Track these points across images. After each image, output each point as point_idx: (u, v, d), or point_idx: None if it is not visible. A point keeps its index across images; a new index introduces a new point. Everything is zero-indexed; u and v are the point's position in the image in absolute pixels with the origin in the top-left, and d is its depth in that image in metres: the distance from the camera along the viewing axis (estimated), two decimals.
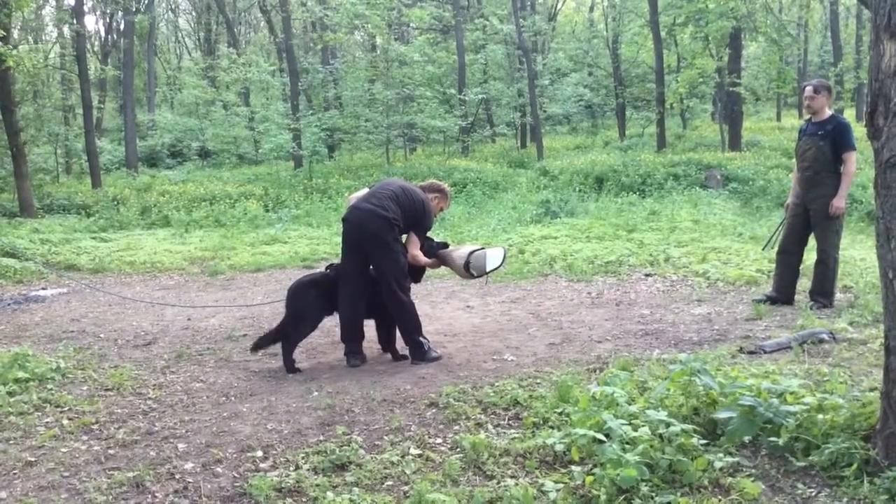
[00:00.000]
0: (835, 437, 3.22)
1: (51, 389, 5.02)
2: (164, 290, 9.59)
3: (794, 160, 7.37)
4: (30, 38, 30.88)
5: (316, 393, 4.83)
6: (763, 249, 8.72)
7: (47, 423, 4.41)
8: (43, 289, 9.59)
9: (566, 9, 42.08)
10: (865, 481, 2.94)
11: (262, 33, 44.75)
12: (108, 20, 35.89)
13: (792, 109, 35.00)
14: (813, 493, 3.00)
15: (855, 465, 3.03)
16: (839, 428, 3.29)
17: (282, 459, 3.71)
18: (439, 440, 3.90)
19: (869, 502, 2.84)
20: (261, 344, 5.71)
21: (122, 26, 30.62)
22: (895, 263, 2.92)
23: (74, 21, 21.30)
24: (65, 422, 4.40)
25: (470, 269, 5.73)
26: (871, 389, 3.85)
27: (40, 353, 5.89)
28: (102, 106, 31.51)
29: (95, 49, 36.82)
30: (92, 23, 38.78)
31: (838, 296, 6.78)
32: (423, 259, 5.75)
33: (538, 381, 4.81)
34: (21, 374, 5.14)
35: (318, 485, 3.34)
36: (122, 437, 4.13)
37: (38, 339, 6.76)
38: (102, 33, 37.71)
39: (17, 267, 10.56)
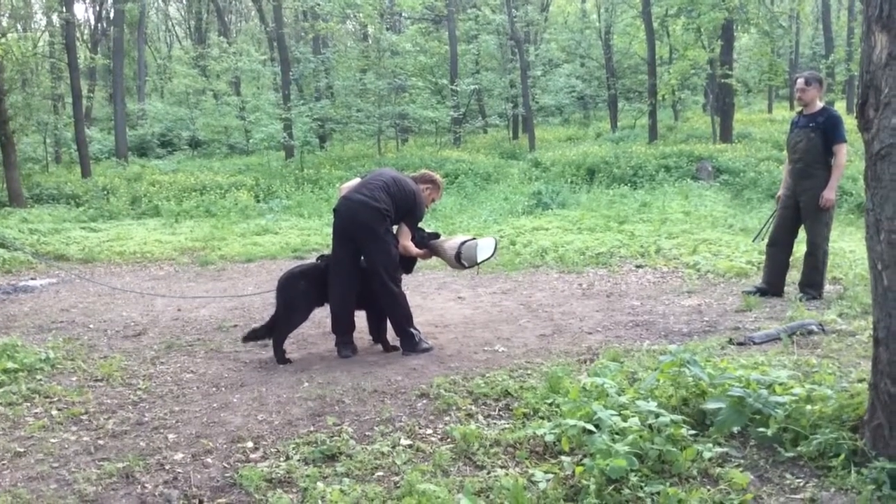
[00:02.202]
0: (823, 428, 3.24)
1: (40, 380, 5.00)
2: (154, 280, 9.55)
3: (785, 152, 7.39)
4: (18, 25, 30.54)
5: (307, 384, 4.83)
6: (753, 241, 8.76)
7: (36, 413, 4.39)
8: (32, 279, 9.54)
9: None
10: (853, 471, 2.96)
11: (253, 22, 44.51)
12: (97, 8, 35.56)
13: (783, 101, 35.10)
14: (801, 483, 3.02)
15: (843, 456, 3.05)
16: (827, 419, 3.31)
17: (272, 450, 3.71)
18: (430, 431, 3.90)
19: (856, 492, 2.86)
20: (254, 335, 5.70)
21: (111, 15, 30.36)
22: (884, 255, 2.93)
23: (64, 9, 21.10)
24: (54, 412, 4.38)
25: (461, 260, 5.72)
26: (860, 380, 3.87)
27: (29, 344, 5.86)
28: (92, 95, 31.30)
29: (85, 37, 36.49)
30: (81, 11, 38.42)
31: (828, 287, 6.81)
32: (414, 250, 5.75)
33: (529, 372, 4.82)
34: (10, 365, 5.12)
35: (308, 475, 3.34)
36: (111, 427, 4.12)
37: (27, 329, 6.73)
38: (92, 21, 37.35)
39: (6, 257, 10.49)
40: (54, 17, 26.49)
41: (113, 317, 7.26)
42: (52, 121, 23.82)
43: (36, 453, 3.77)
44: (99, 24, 35.88)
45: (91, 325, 6.88)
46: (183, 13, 46.49)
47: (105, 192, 17.46)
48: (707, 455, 3.16)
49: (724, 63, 21.67)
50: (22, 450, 3.81)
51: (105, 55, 28.67)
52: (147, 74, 37.24)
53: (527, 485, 3.10)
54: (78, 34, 30.88)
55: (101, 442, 3.92)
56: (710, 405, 3.52)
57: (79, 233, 13.14)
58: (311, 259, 7.11)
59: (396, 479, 3.31)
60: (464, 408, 4.18)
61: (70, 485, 3.39)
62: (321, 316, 6.18)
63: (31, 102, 21.49)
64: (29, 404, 4.54)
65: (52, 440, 3.94)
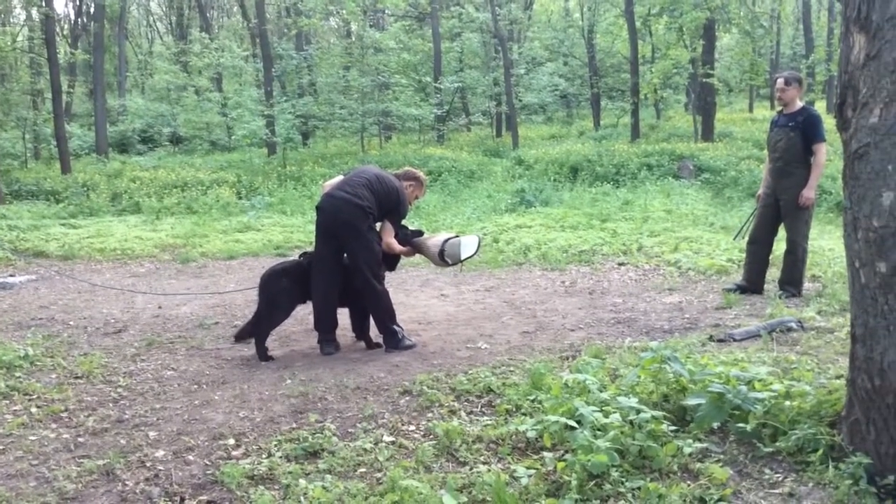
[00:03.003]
0: (801, 424, 3.27)
1: (19, 377, 4.95)
2: (134, 277, 9.48)
3: (765, 151, 7.45)
4: None
5: (289, 381, 4.82)
6: (734, 239, 8.83)
7: (15, 411, 4.35)
8: (11, 276, 9.44)
9: None
10: (830, 466, 2.99)
11: (236, 18, 44.24)
12: (77, 3, 35.24)
13: (764, 101, 35.36)
14: (779, 479, 3.05)
15: (821, 451, 3.08)
16: (806, 414, 3.35)
17: (254, 447, 3.70)
18: (412, 427, 3.91)
19: (834, 487, 2.90)
20: (244, 334, 5.67)
21: (92, 9, 30.04)
22: (861, 253, 2.97)
23: (43, 3, 20.85)
24: (33, 410, 4.34)
25: (445, 257, 5.73)
26: (838, 377, 3.92)
27: (8, 341, 5.82)
28: (72, 90, 30.91)
29: (65, 32, 36.15)
30: (61, 5, 38.18)
31: (807, 285, 6.88)
32: (397, 247, 5.75)
33: (511, 368, 4.84)
34: None
35: (290, 472, 3.33)
36: (91, 424, 4.08)
37: (6, 326, 6.66)
38: (72, 16, 37.04)
39: None
40: (34, 12, 26.17)
41: (93, 314, 7.20)
42: (31, 116, 23.54)
43: (15, 451, 3.73)
44: (79, 19, 35.52)
45: (71, 322, 6.83)
46: (164, 8, 46.08)
47: (85, 189, 17.30)
48: (687, 450, 3.19)
49: (705, 62, 21.82)
50: (1, 447, 3.78)
51: (85, 50, 28.35)
52: (128, 70, 36.90)
53: (509, 480, 3.11)
54: (58, 29, 30.60)
55: (81, 439, 3.89)
56: (691, 401, 3.55)
57: (58, 229, 13.01)
58: (294, 256, 7.09)
59: (379, 475, 3.31)
60: (446, 404, 4.19)
61: (50, 482, 3.36)
62: (304, 313, 6.17)
63: (9, 98, 21.25)
64: (8, 402, 4.50)
65: (32, 437, 3.91)
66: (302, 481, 3.24)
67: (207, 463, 3.54)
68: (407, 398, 4.38)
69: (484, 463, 3.38)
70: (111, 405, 4.46)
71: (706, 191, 15.96)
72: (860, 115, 2.95)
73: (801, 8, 32.29)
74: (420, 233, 6.11)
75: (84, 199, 16.37)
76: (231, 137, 27.60)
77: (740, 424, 3.38)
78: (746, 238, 7.12)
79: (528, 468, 3.19)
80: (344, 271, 5.57)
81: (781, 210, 6.70)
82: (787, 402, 3.44)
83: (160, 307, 7.44)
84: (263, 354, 5.44)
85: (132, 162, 22.71)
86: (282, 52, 26.80)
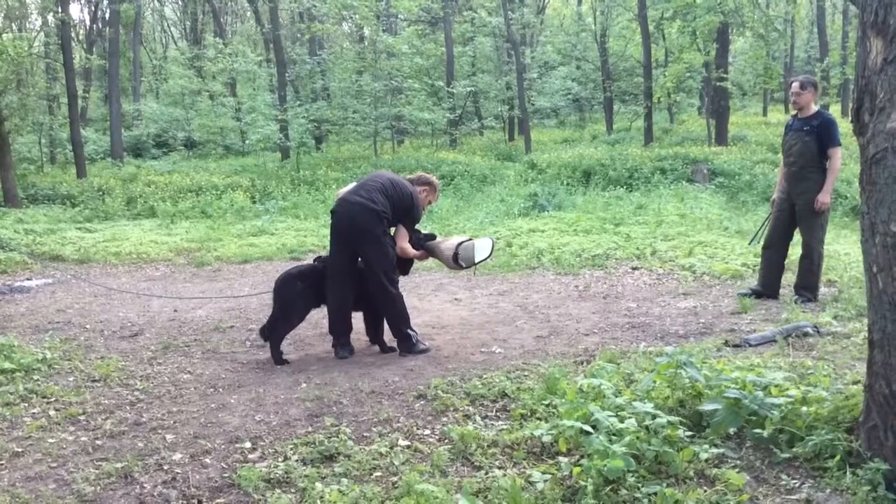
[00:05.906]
0: (818, 430, 3.26)
1: (37, 380, 5.01)
2: (150, 281, 9.55)
3: (780, 155, 7.42)
4: (13, 25, 30.47)
5: (304, 384, 4.84)
6: (749, 244, 8.78)
7: (34, 413, 4.39)
8: (28, 279, 9.52)
9: (554, 2, 42.09)
10: (848, 472, 2.98)
11: (249, 23, 44.46)
12: (93, 9, 35.56)
13: (778, 104, 35.17)
14: (797, 484, 3.04)
15: (838, 457, 3.07)
16: (823, 420, 3.34)
17: (270, 450, 3.72)
18: (427, 431, 3.92)
19: (851, 493, 2.89)
20: (265, 332, 5.68)
21: (107, 15, 30.27)
22: (879, 258, 2.96)
23: (59, 9, 21.00)
24: (51, 413, 4.38)
25: (458, 261, 5.74)
26: (855, 382, 3.90)
27: (26, 344, 5.86)
28: (87, 95, 31.13)
29: (80, 38, 36.43)
30: (77, 11, 38.47)
31: (823, 290, 6.84)
32: (411, 251, 5.76)
33: (526, 373, 4.84)
34: (7, 365, 5.12)
35: (306, 475, 3.35)
36: (109, 427, 4.12)
37: (24, 329, 6.72)
38: (88, 22, 37.37)
39: (2, 257, 10.47)
40: (50, 18, 26.39)
41: (109, 317, 7.26)
42: (47, 121, 23.72)
43: (34, 453, 3.78)
44: (94, 25, 35.84)
45: (88, 326, 6.88)
46: (178, 14, 46.42)
47: (100, 193, 17.40)
48: (703, 456, 3.18)
49: (719, 66, 21.73)
50: (20, 450, 3.82)
51: (100, 55, 28.58)
52: (142, 75, 37.15)
53: (524, 485, 3.11)
54: (73, 34, 30.87)
55: (99, 442, 3.93)
56: (707, 406, 3.54)
57: (74, 233, 13.11)
58: (308, 260, 7.12)
59: (394, 479, 3.33)
60: (461, 409, 4.20)
61: (69, 485, 3.40)
62: (318, 317, 6.19)
63: (26, 103, 21.38)
64: (26, 405, 4.55)
65: (50, 440, 3.95)
66: (318, 485, 3.26)
67: (224, 466, 3.57)
68: (422, 402, 4.39)
69: (499, 467, 3.39)
70: (128, 408, 4.50)
71: (720, 195, 15.88)
72: (877, 120, 2.95)
73: (816, 11, 32.09)
74: (433, 237, 6.13)
75: (99, 204, 16.47)
76: (245, 142, 27.74)
77: (757, 430, 3.37)
78: (761, 243, 7.09)
79: (543, 473, 3.20)
80: (359, 275, 5.59)
81: (797, 214, 6.68)
82: (804, 408, 3.43)
83: (176, 311, 7.49)
84: (278, 358, 5.47)
85: (147, 166, 22.83)
86: (295, 57, 26.92)
